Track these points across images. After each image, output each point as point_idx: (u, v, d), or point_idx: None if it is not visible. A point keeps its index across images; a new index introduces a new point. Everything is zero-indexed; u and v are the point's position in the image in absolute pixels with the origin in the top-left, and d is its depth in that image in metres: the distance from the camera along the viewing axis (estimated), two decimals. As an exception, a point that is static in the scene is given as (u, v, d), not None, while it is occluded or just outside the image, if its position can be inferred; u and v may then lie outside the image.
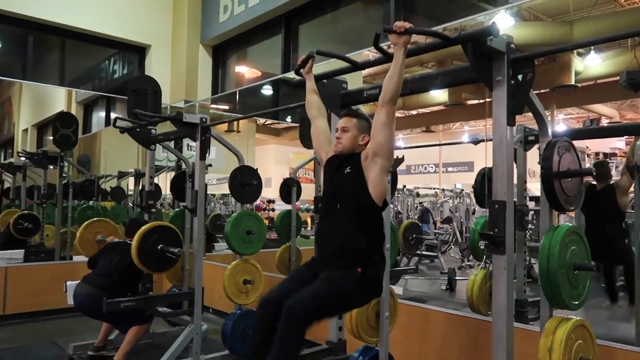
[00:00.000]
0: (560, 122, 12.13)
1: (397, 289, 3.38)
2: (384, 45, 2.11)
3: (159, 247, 3.35)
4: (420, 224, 5.67)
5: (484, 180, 3.48)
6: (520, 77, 1.88)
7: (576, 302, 1.98)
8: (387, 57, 2.07)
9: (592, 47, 7.79)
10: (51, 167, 5.80)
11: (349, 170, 2.11)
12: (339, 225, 2.10)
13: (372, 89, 2.42)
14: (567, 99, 9.64)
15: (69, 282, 3.78)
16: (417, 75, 2.24)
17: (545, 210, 2.08)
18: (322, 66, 2.83)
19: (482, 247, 3.05)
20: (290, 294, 1.97)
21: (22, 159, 6.32)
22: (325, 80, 2.49)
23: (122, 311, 3.28)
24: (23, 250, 5.32)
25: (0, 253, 5.16)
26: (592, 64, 8.44)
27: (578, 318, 1.95)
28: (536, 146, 2.98)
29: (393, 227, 2.85)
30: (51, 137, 5.96)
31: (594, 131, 3.26)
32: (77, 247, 4.33)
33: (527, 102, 1.95)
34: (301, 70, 2.41)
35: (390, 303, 2.72)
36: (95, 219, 4.57)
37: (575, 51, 8.08)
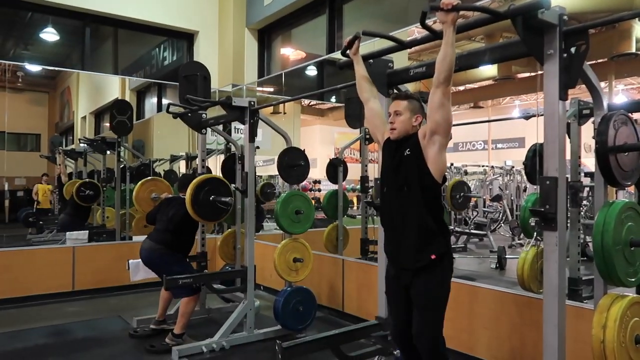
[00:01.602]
0: (620, 92, 11.49)
1: (446, 267, 3.37)
2: (430, 22, 2.09)
3: (211, 198, 3.54)
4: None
5: (535, 157, 3.40)
6: (573, 49, 1.83)
7: (632, 279, 1.94)
8: (434, 35, 2.05)
9: (655, 12, 7.30)
10: (109, 152, 6.12)
11: (408, 152, 2.15)
12: (406, 207, 2.16)
13: (419, 67, 2.41)
14: (627, 68, 9.10)
15: (131, 261, 4.02)
16: (465, 52, 2.21)
17: (599, 186, 2.03)
18: (367, 45, 2.82)
19: (532, 224, 3.00)
20: (405, 319, 2.26)
21: (83, 145, 6.68)
22: (371, 60, 2.49)
23: (175, 274, 3.51)
24: (87, 232, 5.68)
25: (68, 234, 5.53)
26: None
27: (634, 295, 1.92)
28: (591, 120, 2.88)
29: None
30: (107, 124, 6.25)
31: None
32: (134, 201, 4.70)
33: (580, 75, 1.90)
34: (348, 52, 2.42)
35: (439, 280, 2.73)
36: (149, 177, 4.89)
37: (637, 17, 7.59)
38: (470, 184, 10.62)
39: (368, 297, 4.00)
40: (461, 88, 13.33)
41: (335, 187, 5.03)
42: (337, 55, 5.47)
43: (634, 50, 7.78)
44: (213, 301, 4.56)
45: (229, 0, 6.57)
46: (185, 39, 6.90)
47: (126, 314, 4.38)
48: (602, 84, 9.55)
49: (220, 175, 4.50)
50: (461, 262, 6.62)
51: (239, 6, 6.56)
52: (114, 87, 7.32)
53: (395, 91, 2.62)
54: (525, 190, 9.57)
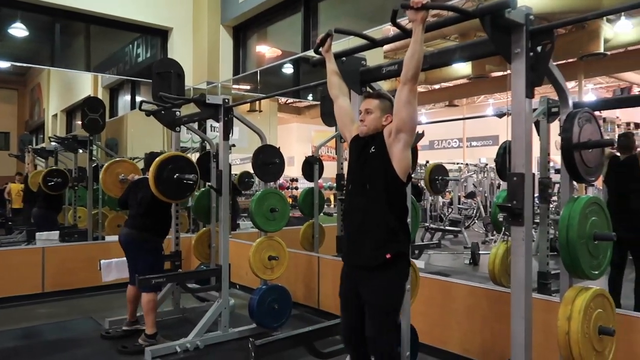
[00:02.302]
0: (589, 92, 11.79)
1: (419, 263, 3.42)
2: (402, 20, 2.11)
3: (175, 177, 3.51)
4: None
5: (506, 154, 3.47)
6: (539, 48, 1.86)
7: (596, 272, 2.00)
8: (405, 34, 2.07)
9: (622, 13, 7.52)
10: (81, 151, 5.99)
11: (373, 150, 2.15)
12: (368, 204, 2.15)
13: (391, 65, 2.43)
14: (595, 67, 9.34)
15: (103, 261, 3.97)
16: (436, 50, 2.24)
17: (565, 182, 2.08)
18: (342, 43, 2.83)
19: (500, 219, 3.06)
20: (357, 325, 2.21)
21: (53, 143, 6.53)
22: (344, 58, 2.50)
23: (147, 265, 3.55)
24: (58, 232, 5.56)
25: (37, 235, 5.41)
26: (622, 31, 8.13)
27: (598, 287, 1.97)
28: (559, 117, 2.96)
29: (414, 202, 2.88)
30: (80, 122, 6.13)
31: (618, 101, 3.19)
32: (102, 188, 4.58)
33: (546, 74, 1.94)
34: (320, 49, 2.42)
35: (411, 276, 2.77)
36: (114, 160, 4.83)
37: (604, 18, 7.80)
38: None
39: (344, 294, 4.01)
40: (437, 86, 13.50)
41: (312, 185, 5.04)
42: (312, 53, 5.48)
43: (602, 50, 7.99)
44: (188, 301, 4.52)
45: (204, -3, 6.52)
46: (159, 35, 6.81)
47: (98, 315, 4.31)
48: (572, 83, 9.80)
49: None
50: (436, 258, 6.72)
51: (213, 3, 6.50)
52: (86, 84, 7.17)
53: (368, 89, 2.64)
54: (499, 187, 9.76)
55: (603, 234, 1.99)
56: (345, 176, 2.38)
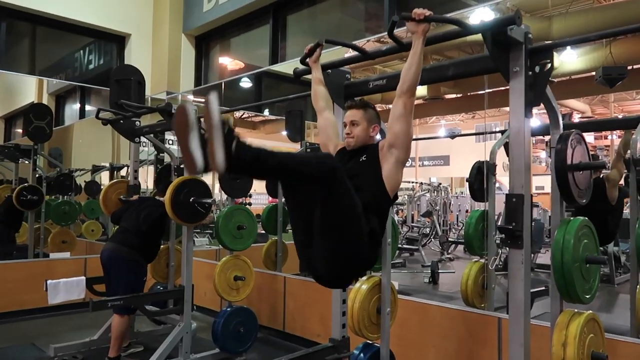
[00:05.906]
0: (534, 116, 12.38)
1: (395, 284, 3.34)
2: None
3: (191, 200, 3.34)
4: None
5: (479, 174, 3.48)
6: (537, 68, 1.84)
7: (588, 296, 1.97)
8: (400, 46, 2.00)
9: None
10: (24, 161, 5.54)
11: (364, 159, 2.02)
12: None
13: (378, 79, 2.36)
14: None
15: (49, 281, 3.61)
16: (429, 65, 2.19)
17: (556, 204, 2.06)
18: (324, 56, 2.74)
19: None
20: None
21: (-10, 152, 6.01)
22: (329, 71, 2.41)
23: (125, 283, 3.40)
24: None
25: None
26: (567, 60, 8.59)
27: (589, 312, 1.94)
28: (547, 138, 2.98)
29: (394, 222, 2.80)
30: (20, 130, 5.68)
31: (599, 124, 3.26)
32: (101, 205, 4.27)
33: (544, 94, 1.92)
34: (307, 60, 2.31)
35: (390, 299, 2.67)
36: (118, 180, 4.74)
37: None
38: (399, 199, 10.98)
39: (311, 315, 3.86)
40: (390, 106, 13.72)
41: (270, 201, 4.88)
42: (278, 67, 5.38)
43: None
44: (142, 324, 4.21)
45: (165, 4, 6.26)
46: (115, 41, 6.45)
47: (41, 341, 3.91)
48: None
49: (152, 186, 4.22)
50: (394, 276, 6.66)
51: (175, 10, 6.26)
52: (29, 89, 6.70)
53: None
54: (450, 206, 10.01)
55: (595, 257, 1.97)
56: None
